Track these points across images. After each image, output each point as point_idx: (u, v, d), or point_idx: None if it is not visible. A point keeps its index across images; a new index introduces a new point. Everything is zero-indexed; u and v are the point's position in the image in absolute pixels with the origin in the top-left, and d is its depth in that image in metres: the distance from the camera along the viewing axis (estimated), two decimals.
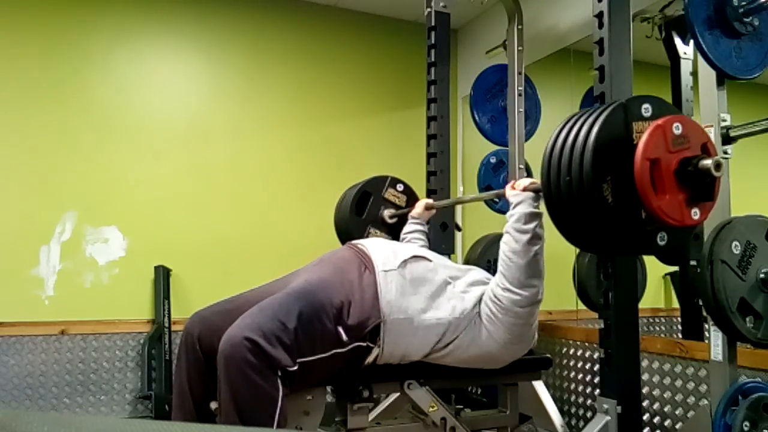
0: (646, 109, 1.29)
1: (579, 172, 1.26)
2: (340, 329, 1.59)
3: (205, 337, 1.66)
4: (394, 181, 2.55)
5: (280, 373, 1.45)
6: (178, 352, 1.76)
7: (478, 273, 1.88)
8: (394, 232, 2.47)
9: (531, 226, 1.66)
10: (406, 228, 2.34)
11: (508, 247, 1.69)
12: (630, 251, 1.46)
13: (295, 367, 1.48)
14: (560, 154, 1.32)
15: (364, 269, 1.72)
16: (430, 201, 2.38)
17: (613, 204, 1.24)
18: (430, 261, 1.80)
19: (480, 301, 1.75)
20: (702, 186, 1.25)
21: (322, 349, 1.56)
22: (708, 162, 1.23)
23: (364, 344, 1.64)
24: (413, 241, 2.29)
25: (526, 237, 1.65)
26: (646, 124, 1.27)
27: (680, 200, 1.23)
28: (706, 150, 1.28)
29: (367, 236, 2.45)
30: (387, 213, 2.50)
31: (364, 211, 2.48)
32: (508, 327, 1.70)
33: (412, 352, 1.71)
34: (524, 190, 1.72)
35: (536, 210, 1.68)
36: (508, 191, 1.77)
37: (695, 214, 1.25)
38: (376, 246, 1.82)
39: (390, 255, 1.76)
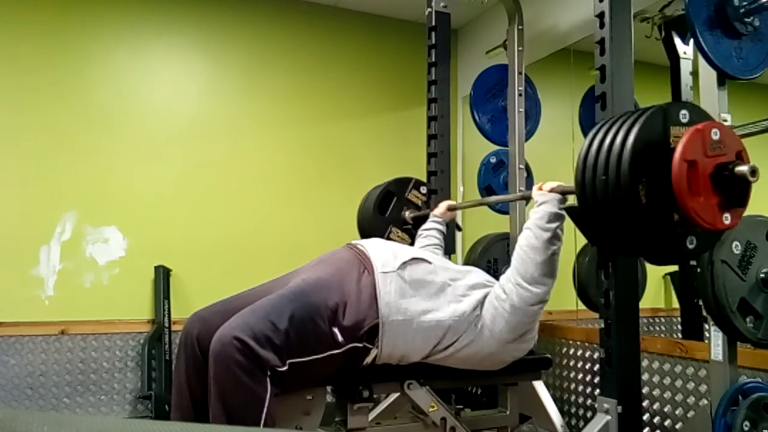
0: (684, 115, 1.32)
1: (616, 172, 1.28)
2: (336, 330, 1.59)
3: (204, 336, 1.66)
4: (419, 183, 2.62)
5: (269, 373, 1.46)
6: (177, 352, 1.76)
7: (478, 275, 1.88)
8: (414, 233, 2.50)
9: (554, 225, 1.68)
10: (425, 225, 2.36)
11: (526, 242, 1.71)
12: (659, 253, 1.47)
13: (285, 368, 1.49)
14: (597, 154, 1.34)
15: (363, 270, 1.72)
16: (453, 202, 2.39)
17: (646, 205, 1.26)
18: (430, 263, 1.80)
19: (480, 304, 1.76)
20: (736, 191, 1.27)
21: (316, 351, 1.56)
22: (744, 168, 1.25)
23: (361, 345, 1.63)
24: (428, 237, 2.30)
25: (547, 235, 1.68)
26: (683, 129, 1.30)
27: (714, 204, 1.25)
28: (741, 158, 1.30)
29: (389, 235, 2.51)
30: (409, 214, 2.53)
31: (387, 210, 2.54)
32: (513, 326, 1.71)
33: (411, 353, 1.71)
34: (551, 191, 1.74)
35: (560, 211, 1.70)
36: (535, 192, 1.79)
37: (726, 218, 1.27)
38: (376, 247, 1.82)
39: (390, 257, 1.76)
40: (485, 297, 1.77)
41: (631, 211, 1.27)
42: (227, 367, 1.44)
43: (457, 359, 1.76)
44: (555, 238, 1.68)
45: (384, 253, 1.78)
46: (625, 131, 1.29)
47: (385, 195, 2.55)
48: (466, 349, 1.73)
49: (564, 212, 1.70)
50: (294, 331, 1.52)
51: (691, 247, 1.31)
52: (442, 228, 2.33)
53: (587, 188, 1.35)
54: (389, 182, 2.58)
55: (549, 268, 1.68)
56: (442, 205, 2.36)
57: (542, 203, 1.73)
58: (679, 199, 1.23)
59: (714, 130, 1.27)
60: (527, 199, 1.97)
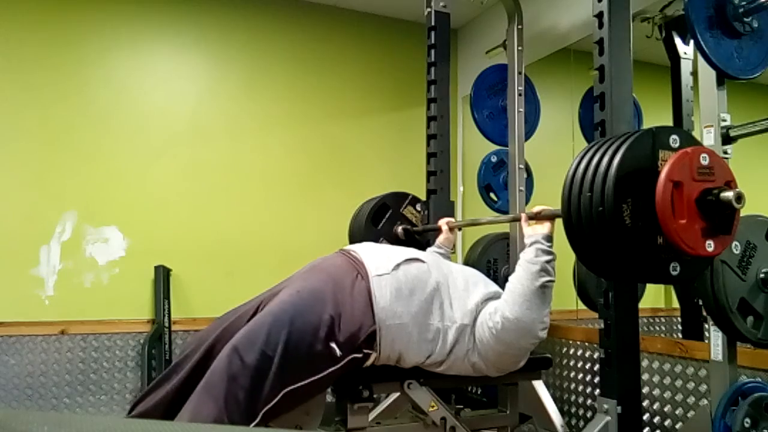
0: (674, 140, 1.31)
1: (601, 189, 1.27)
2: (333, 345, 1.57)
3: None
4: (415, 200, 2.61)
5: (263, 410, 1.48)
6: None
7: (474, 276, 1.88)
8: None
9: (542, 259, 1.69)
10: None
11: (515, 275, 1.73)
12: (642, 277, 1.45)
13: (274, 401, 1.49)
14: (584, 172, 1.33)
15: (357, 275, 1.71)
16: (453, 220, 2.34)
17: (630, 226, 1.24)
18: (424, 262, 1.79)
19: (475, 312, 1.75)
20: (721, 218, 1.25)
21: (316, 371, 1.55)
22: (729, 194, 1.22)
23: (360, 355, 1.63)
24: None
25: (535, 267, 1.68)
26: (672, 153, 1.28)
27: (697, 229, 1.23)
28: (730, 187, 1.28)
29: None
30: (401, 229, 2.53)
31: (380, 222, 2.54)
32: (498, 354, 1.72)
33: (408, 355, 1.70)
34: (538, 214, 1.75)
35: (548, 248, 1.72)
36: (525, 228, 1.79)
37: (710, 245, 1.24)
38: (369, 251, 1.81)
39: (383, 260, 1.75)
40: (479, 309, 1.75)
41: (614, 231, 1.25)
42: (219, 395, 1.46)
43: (455, 371, 1.76)
44: (543, 270, 1.68)
45: (377, 257, 1.77)
46: (612, 151, 1.28)
47: (380, 207, 2.55)
48: (461, 362, 1.74)
49: (552, 250, 1.72)
50: (289, 358, 1.51)
51: (674, 273, 1.28)
52: (447, 256, 2.25)
53: (572, 206, 1.35)
54: (385, 195, 2.58)
55: (535, 301, 1.66)
56: (444, 228, 2.28)
57: (532, 243, 1.73)
58: (662, 220, 1.21)
59: (703, 155, 1.25)
60: (516, 220, 1.97)
